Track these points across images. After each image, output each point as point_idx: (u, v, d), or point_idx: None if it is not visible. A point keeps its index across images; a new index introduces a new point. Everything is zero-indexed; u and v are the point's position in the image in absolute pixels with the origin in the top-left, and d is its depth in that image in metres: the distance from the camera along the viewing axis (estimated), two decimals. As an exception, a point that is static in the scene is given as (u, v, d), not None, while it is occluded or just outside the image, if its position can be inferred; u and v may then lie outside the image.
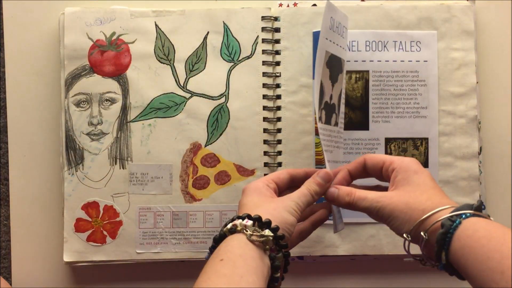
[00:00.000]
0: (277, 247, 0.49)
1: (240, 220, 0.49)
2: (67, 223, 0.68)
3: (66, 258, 0.68)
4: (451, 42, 0.68)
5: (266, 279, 0.47)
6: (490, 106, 0.71)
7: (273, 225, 0.49)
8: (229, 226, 0.49)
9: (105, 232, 0.69)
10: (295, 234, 0.56)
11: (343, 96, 0.63)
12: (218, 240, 0.50)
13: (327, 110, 0.59)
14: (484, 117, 0.71)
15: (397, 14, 0.68)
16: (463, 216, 0.46)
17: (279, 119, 0.69)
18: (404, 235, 0.50)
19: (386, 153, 0.69)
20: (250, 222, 0.49)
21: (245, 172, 0.69)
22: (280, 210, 0.51)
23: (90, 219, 0.68)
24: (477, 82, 0.69)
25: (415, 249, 0.51)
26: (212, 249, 0.50)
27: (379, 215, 0.52)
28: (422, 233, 0.48)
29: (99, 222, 0.69)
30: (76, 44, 0.68)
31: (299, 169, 0.59)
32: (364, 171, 0.57)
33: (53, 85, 0.71)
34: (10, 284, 0.71)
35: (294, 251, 0.68)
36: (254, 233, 0.48)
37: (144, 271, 0.71)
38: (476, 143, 0.68)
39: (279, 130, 0.69)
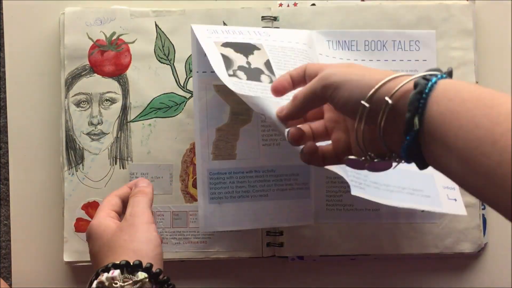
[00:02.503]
0: (159, 285, 0.44)
1: (106, 274, 0.43)
2: (67, 223, 0.68)
3: (66, 258, 0.68)
4: (450, 41, 0.68)
5: None
6: (490, 106, 0.71)
7: (144, 264, 0.44)
8: (94, 285, 0.43)
9: (105, 232, 0.68)
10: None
11: (278, 65, 0.61)
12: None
13: (249, 72, 0.58)
14: (484, 116, 0.71)
15: (396, 13, 0.69)
16: (439, 76, 0.38)
17: (279, 119, 0.69)
18: (362, 102, 0.40)
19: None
20: (117, 272, 0.43)
21: (245, 172, 0.69)
22: (140, 238, 0.47)
23: (90, 219, 0.68)
24: (476, 82, 0.69)
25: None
26: None
27: (330, 81, 0.43)
28: (386, 98, 0.39)
29: (99, 222, 0.68)
30: (76, 44, 0.69)
31: (122, 189, 0.56)
32: (304, 79, 0.50)
33: (53, 85, 0.71)
34: (10, 285, 0.71)
35: (294, 251, 0.68)
36: (125, 284, 0.43)
37: (144, 271, 0.71)
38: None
39: (279, 130, 0.69)
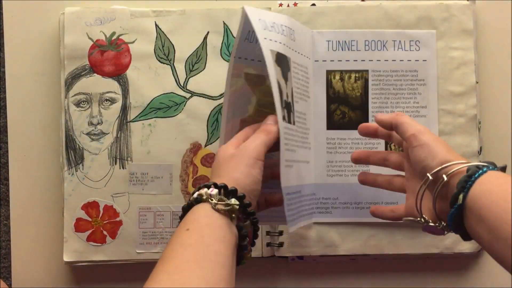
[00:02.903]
0: (244, 215, 0.49)
1: (206, 189, 0.48)
2: (67, 223, 0.68)
3: (66, 258, 0.68)
4: (450, 41, 0.68)
5: (234, 247, 0.47)
6: (490, 106, 0.71)
7: (239, 193, 0.49)
8: (195, 195, 0.49)
9: (105, 232, 0.68)
10: (262, 201, 0.57)
11: (294, 94, 0.60)
12: (186, 209, 0.49)
13: (287, 108, 0.57)
14: (484, 117, 0.71)
15: (396, 13, 0.68)
16: (490, 167, 0.47)
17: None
18: (428, 174, 0.50)
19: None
20: (215, 191, 0.48)
21: (245, 172, 0.69)
22: (245, 175, 0.51)
23: (90, 219, 0.68)
24: (477, 82, 0.69)
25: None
26: (180, 218, 0.49)
27: (419, 138, 0.52)
28: (444, 175, 0.49)
29: (99, 222, 0.68)
30: (76, 44, 0.69)
31: (250, 128, 0.58)
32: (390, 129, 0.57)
33: (53, 85, 0.71)
34: (10, 285, 0.71)
35: (294, 251, 0.68)
36: (219, 202, 0.47)
37: (144, 271, 0.70)
38: (476, 142, 0.68)
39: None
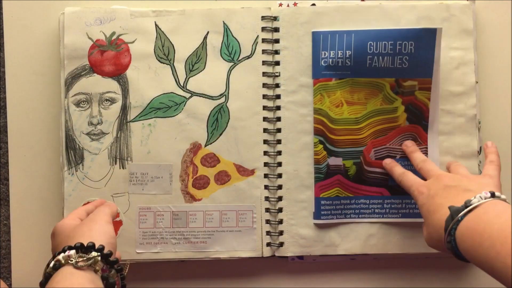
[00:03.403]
0: (108, 265, 0.50)
1: (62, 254, 0.48)
2: (67, 223, 0.68)
3: (66, 258, 0.68)
4: (450, 41, 0.68)
5: None
6: (490, 106, 0.71)
7: (97, 245, 0.49)
8: (51, 264, 0.48)
9: (105, 232, 0.68)
10: None
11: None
12: (44, 283, 0.48)
13: None
14: (484, 117, 0.71)
15: (396, 13, 0.68)
16: (460, 218, 0.51)
17: (279, 118, 0.69)
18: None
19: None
20: (73, 251, 0.48)
21: (245, 172, 0.69)
22: (98, 229, 0.53)
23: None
24: (476, 82, 0.69)
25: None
26: (48, 276, 0.49)
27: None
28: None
29: (99, 222, 0.68)
30: (76, 44, 0.69)
31: (89, 205, 0.63)
32: None
33: (53, 85, 0.71)
34: (10, 285, 0.71)
35: (294, 251, 0.68)
36: (79, 260, 0.47)
37: (144, 271, 0.71)
38: (476, 142, 0.68)
39: (279, 130, 0.69)
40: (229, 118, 0.69)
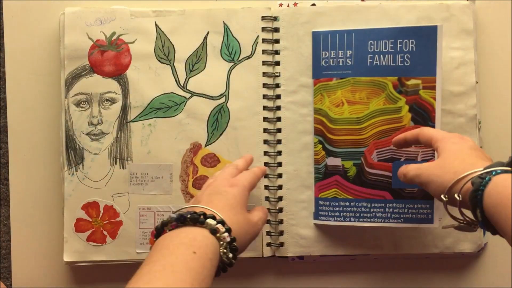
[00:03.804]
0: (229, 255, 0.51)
1: (223, 229, 0.50)
2: (67, 223, 0.68)
3: (66, 258, 0.68)
4: (450, 41, 0.68)
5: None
6: (490, 106, 0.71)
7: (235, 245, 0.51)
8: (213, 223, 0.49)
9: (105, 232, 0.68)
10: None
11: None
12: (194, 220, 0.49)
13: None
14: (484, 117, 0.71)
15: (396, 13, 0.68)
16: (493, 173, 0.47)
17: (279, 119, 0.69)
18: (442, 196, 0.51)
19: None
20: (228, 239, 0.50)
21: (245, 172, 0.69)
22: (247, 237, 0.55)
23: (90, 219, 0.68)
24: (477, 82, 0.69)
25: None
26: (183, 219, 0.49)
27: (420, 181, 0.55)
28: (456, 195, 0.49)
29: (99, 222, 0.68)
30: (76, 44, 0.69)
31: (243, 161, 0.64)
32: (418, 142, 0.61)
33: (53, 85, 0.71)
34: (10, 285, 0.71)
35: (294, 251, 0.69)
36: (225, 252, 0.50)
37: (144, 271, 0.71)
38: (476, 142, 0.68)
39: (279, 130, 0.69)
40: (229, 118, 0.69)
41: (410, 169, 0.57)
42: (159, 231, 0.50)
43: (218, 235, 0.49)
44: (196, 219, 0.49)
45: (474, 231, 0.54)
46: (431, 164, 0.55)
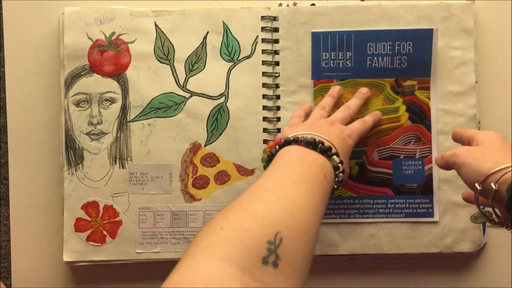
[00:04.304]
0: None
1: (337, 159, 0.54)
2: (67, 223, 0.68)
3: (66, 258, 0.68)
4: (450, 40, 0.68)
5: None
6: (490, 106, 0.71)
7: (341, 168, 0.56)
8: (336, 160, 0.54)
9: (105, 232, 0.69)
10: None
11: None
12: (320, 147, 0.54)
13: None
14: (484, 117, 0.71)
15: (396, 13, 0.68)
16: None
17: (279, 119, 0.69)
18: (476, 184, 0.50)
19: (385, 152, 0.69)
20: (340, 169, 0.55)
21: (245, 171, 0.69)
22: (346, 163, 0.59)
23: (90, 219, 0.68)
24: (476, 82, 0.69)
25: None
26: (310, 145, 0.54)
27: (455, 161, 0.53)
28: (492, 184, 0.48)
29: (99, 222, 0.69)
30: (75, 44, 0.69)
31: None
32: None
33: (53, 85, 0.71)
34: (10, 285, 0.71)
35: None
36: (336, 180, 0.55)
37: (144, 271, 0.71)
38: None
39: (279, 130, 0.69)
40: (229, 118, 0.69)
41: (448, 151, 0.56)
42: (286, 143, 0.56)
43: (337, 172, 0.54)
44: (325, 151, 0.54)
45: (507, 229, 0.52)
46: (471, 148, 0.54)
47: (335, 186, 0.56)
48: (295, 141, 0.55)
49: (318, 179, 0.51)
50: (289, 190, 0.47)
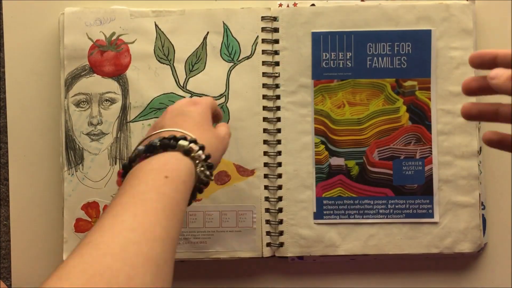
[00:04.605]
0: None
1: (197, 148, 0.47)
2: (67, 223, 0.68)
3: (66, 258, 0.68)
4: (450, 41, 0.68)
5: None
6: (490, 106, 0.71)
7: (210, 160, 0.48)
8: (185, 144, 0.46)
9: (105, 232, 0.68)
10: None
11: None
12: (164, 147, 0.46)
13: None
14: (484, 116, 0.71)
15: (396, 13, 0.69)
16: None
17: (279, 119, 0.69)
18: None
19: (385, 152, 0.69)
20: (203, 157, 0.47)
21: (245, 172, 0.69)
22: (219, 153, 0.53)
23: (90, 219, 0.68)
24: (476, 82, 0.69)
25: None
26: (153, 148, 0.46)
27: None
28: None
29: (99, 222, 0.68)
30: (76, 44, 0.69)
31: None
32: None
33: (53, 85, 0.71)
34: (10, 285, 0.71)
35: (294, 251, 0.68)
36: (202, 170, 0.47)
37: (144, 271, 0.71)
38: (476, 142, 0.68)
39: (279, 130, 0.69)
40: (229, 118, 0.69)
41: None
42: (126, 169, 0.46)
43: (192, 154, 0.46)
44: (167, 144, 0.46)
45: None
46: None
47: (201, 169, 0.47)
48: (133, 160, 0.47)
49: (156, 187, 0.42)
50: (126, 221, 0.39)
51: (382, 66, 0.68)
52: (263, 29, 0.69)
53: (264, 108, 0.69)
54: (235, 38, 0.69)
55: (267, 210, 0.69)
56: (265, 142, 0.69)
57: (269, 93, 0.69)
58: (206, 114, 0.54)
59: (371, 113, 0.69)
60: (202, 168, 0.47)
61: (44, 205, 0.71)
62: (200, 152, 0.47)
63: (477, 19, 0.70)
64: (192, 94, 0.69)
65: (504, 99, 0.69)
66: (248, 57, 0.69)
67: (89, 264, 0.35)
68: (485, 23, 0.71)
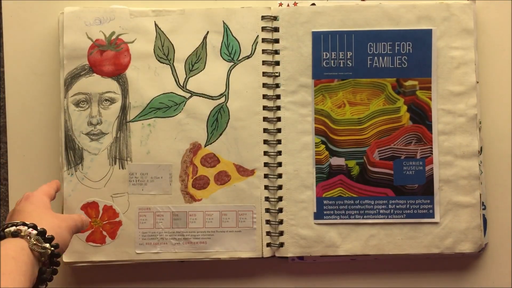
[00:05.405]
0: (49, 263, 0.51)
1: (26, 227, 0.50)
2: (66, 223, 0.68)
3: (66, 258, 0.68)
4: (450, 40, 0.68)
5: (31, 284, 0.49)
6: (491, 106, 0.71)
7: (54, 242, 0.51)
8: (12, 229, 0.50)
9: (104, 233, 0.68)
10: None
11: None
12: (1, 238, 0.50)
13: None
14: (485, 117, 0.71)
15: (396, 13, 0.68)
16: None
17: (279, 119, 0.69)
18: None
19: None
20: (34, 232, 0.50)
21: (245, 172, 0.69)
22: (63, 230, 0.54)
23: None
24: (477, 82, 0.69)
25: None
26: None
27: None
28: None
29: (99, 223, 0.68)
30: (75, 43, 0.68)
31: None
32: None
33: (53, 85, 0.71)
34: (9, 285, 0.71)
35: (294, 251, 0.68)
36: (36, 243, 0.49)
37: (143, 271, 0.71)
38: (476, 142, 0.68)
39: (279, 130, 0.69)
40: (229, 118, 0.69)
41: None
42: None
43: (22, 234, 0.49)
44: (3, 236, 0.50)
45: None
46: None
47: (34, 243, 0.50)
48: None
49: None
50: None
51: (383, 66, 0.68)
52: (263, 29, 0.69)
53: (264, 107, 0.69)
54: (235, 38, 0.69)
55: (267, 210, 0.69)
56: (265, 142, 0.69)
57: (269, 92, 0.69)
58: (41, 201, 0.57)
59: (371, 112, 0.68)
60: (34, 242, 0.49)
61: (44, 205, 0.71)
62: (30, 229, 0.50)
63: (477, 19, 0.70)
64: (192, 94, 0.69)
65: (504, 99, 0.69)
66: (248, 57, 0.69)
67: None
68: (485, 22, 0.71)
